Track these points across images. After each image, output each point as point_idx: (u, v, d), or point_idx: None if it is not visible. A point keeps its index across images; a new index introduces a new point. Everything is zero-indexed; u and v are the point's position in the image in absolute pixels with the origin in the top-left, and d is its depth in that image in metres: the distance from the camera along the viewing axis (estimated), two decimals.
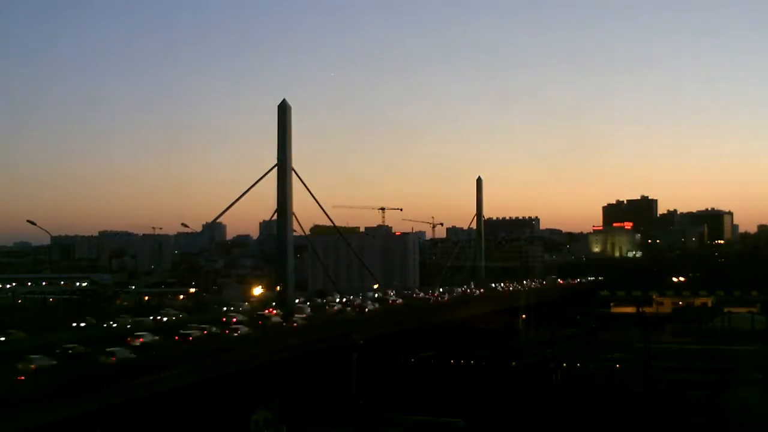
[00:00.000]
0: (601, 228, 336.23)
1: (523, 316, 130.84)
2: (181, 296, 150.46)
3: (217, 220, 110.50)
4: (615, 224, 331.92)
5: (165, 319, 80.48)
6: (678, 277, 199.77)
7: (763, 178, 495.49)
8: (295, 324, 78.13)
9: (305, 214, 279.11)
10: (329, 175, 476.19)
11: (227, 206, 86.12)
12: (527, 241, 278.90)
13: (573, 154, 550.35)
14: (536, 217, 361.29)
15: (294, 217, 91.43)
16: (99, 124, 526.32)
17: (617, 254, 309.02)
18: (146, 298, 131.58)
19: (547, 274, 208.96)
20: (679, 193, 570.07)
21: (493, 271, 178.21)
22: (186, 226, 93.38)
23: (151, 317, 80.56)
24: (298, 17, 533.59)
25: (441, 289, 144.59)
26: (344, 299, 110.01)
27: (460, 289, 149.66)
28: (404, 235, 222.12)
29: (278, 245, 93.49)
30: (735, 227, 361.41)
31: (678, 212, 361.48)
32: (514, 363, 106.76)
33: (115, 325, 73.68)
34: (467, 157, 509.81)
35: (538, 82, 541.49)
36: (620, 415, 71.06)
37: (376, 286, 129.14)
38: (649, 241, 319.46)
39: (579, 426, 69.68)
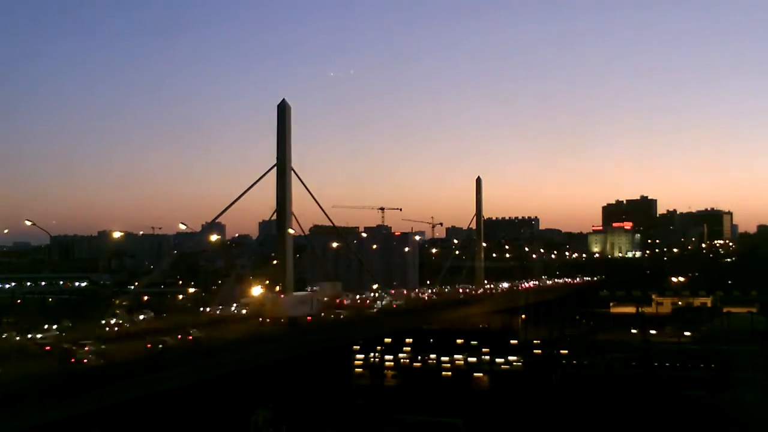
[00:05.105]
0: (600, 228, 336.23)
1: (523, 315, 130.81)
2: (180, 296, 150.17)
3: (217, 220, 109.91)
4: (615, 224, 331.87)
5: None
6: (677, 277, 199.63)
7: (763, 178, 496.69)
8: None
9: (305, 214, 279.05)
10: (329, 175, 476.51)
11: (227, 206, 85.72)
12: (527, 241, 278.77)
13: (573, 154, 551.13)
14: (536, 217, 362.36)
15: (293, 217, 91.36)
16: (99, 124, 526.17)
17: (617, 254, 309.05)
18: (145, 298, 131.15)
19: (547, 274, 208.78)
20: (679, 193, 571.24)
21: (492, 271, 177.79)
22: (186, 225, 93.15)
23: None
24: (299, 17, 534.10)
25: (440, 289, 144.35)
26: None
27: (460, 289, 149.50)
28: (404, 235, 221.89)
29: (278, 245, 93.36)
30: (735, 227, 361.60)
31: (678, 212, 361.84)
32: (514, 362, 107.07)
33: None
34: (467, 157, 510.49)
35: (538, 81, 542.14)
36: (619, 414, 71.13)
37: (375, 286, 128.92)
38: (649, 241, 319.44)
39: (578, 424, 69.72)
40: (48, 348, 52.33)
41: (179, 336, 59.39)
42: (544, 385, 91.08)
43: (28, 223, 75.31)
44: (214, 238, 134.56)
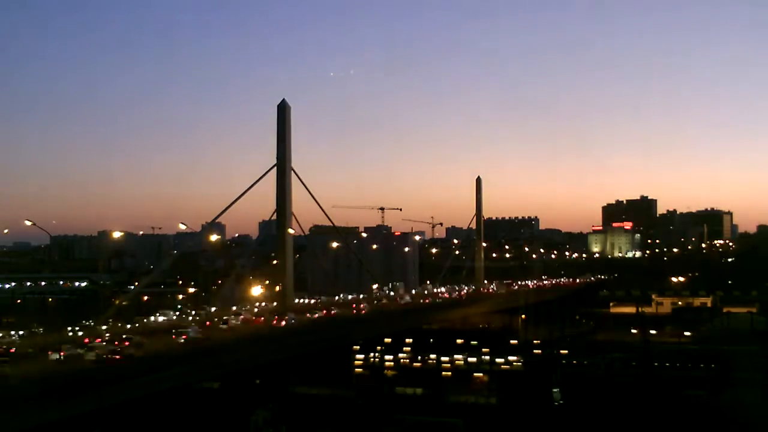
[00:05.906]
0: (600, 228, 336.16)
1: (523, 316, 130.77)
2: (180, 296, 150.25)
3: (217, 220, 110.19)
4: (615, 224, 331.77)
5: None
6: (677, 277, 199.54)
7: (763, 178, 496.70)
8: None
9: (305, 214, 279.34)
10: (329, 175, 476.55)
11: (227, 206, 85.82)
12: (527, 241, 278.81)
13: (573, 154, 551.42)
14: (536, 217, 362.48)
15: (294, 217, 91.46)
16: (98, 123, 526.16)
17: (617, 254, 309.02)
18: (145, 298, 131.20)
19: (547, 274, 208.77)
20: (679, 193, 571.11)
21: (493, 271, 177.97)
22: (186, 225, 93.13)
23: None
24: (299, 17, 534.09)
25: (440, 289, 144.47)
26: None
27: (459, 289, 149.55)
28: (404, 235, 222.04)
29: (278, 245, 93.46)
30: (734, 227, 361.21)
31: (678, 212, 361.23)
32: (514, 362, 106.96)
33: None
34: (467, 157, 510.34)
35: (538, 81, 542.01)
36: (620, 414, 71.14)
37: (375, 286, 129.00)
38: (649, 241, 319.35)
39: (579, 424, 69.74)
40: None
41: None
42: (544, 385, 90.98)
43: (28, 223, 75.11)
44: (214, 238, 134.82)
